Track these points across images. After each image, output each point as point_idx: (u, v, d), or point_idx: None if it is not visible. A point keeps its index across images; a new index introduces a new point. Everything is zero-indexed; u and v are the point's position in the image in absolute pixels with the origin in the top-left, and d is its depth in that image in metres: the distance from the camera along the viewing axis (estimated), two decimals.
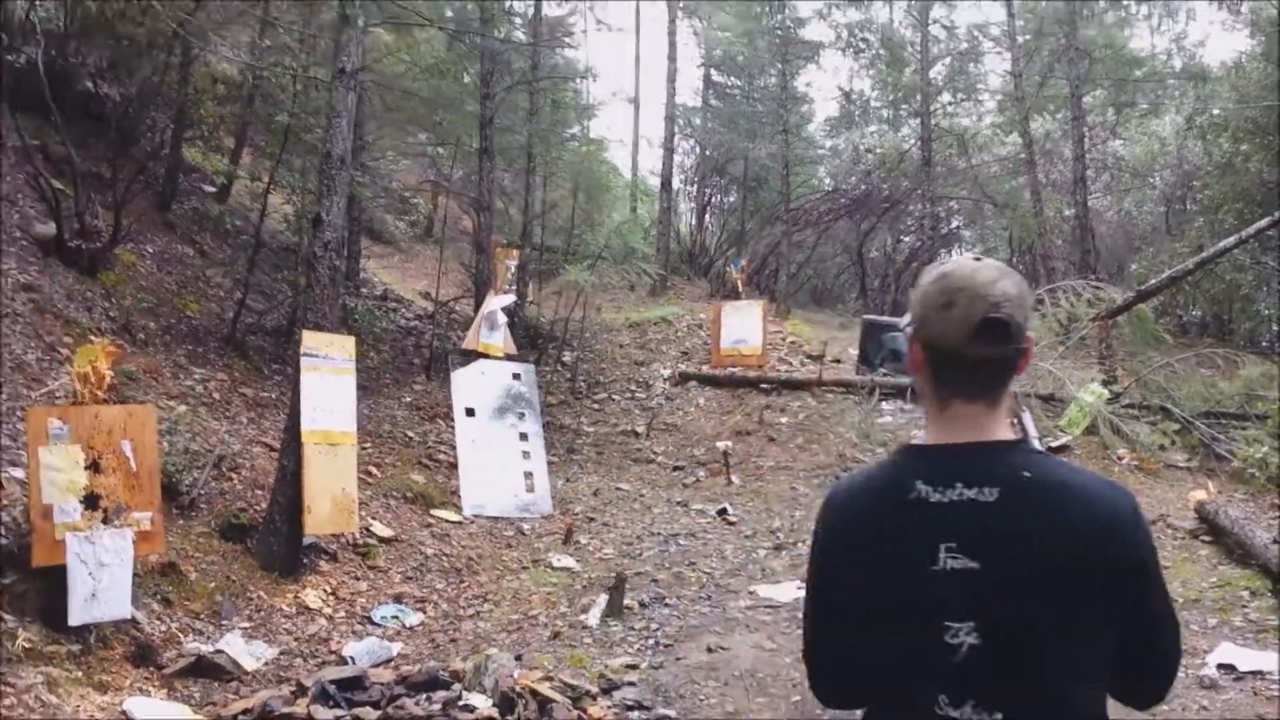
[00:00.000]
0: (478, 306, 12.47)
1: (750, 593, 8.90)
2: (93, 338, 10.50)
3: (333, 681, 6.15)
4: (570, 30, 17.32)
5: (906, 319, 1.84)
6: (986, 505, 1.65)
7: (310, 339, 8.97)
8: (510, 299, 12.42)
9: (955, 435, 1.73)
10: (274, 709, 5.54)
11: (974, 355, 1.68)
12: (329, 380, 9.06)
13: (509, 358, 11.81)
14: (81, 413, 7.00)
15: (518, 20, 16.60)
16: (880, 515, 1.74)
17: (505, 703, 5.66)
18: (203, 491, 9.21)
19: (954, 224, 30.10)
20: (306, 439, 8.82)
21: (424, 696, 5.94)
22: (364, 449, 11.60)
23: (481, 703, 5.65)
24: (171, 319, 12.49)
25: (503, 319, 11.66)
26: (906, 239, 28.98)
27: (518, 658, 6.80)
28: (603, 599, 8.51)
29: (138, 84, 14.71)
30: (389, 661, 7.70)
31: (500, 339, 11.69)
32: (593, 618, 8.28)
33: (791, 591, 8.76)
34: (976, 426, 1.73)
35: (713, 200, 30.36)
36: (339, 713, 5.60)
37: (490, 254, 15.30)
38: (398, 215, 24.24)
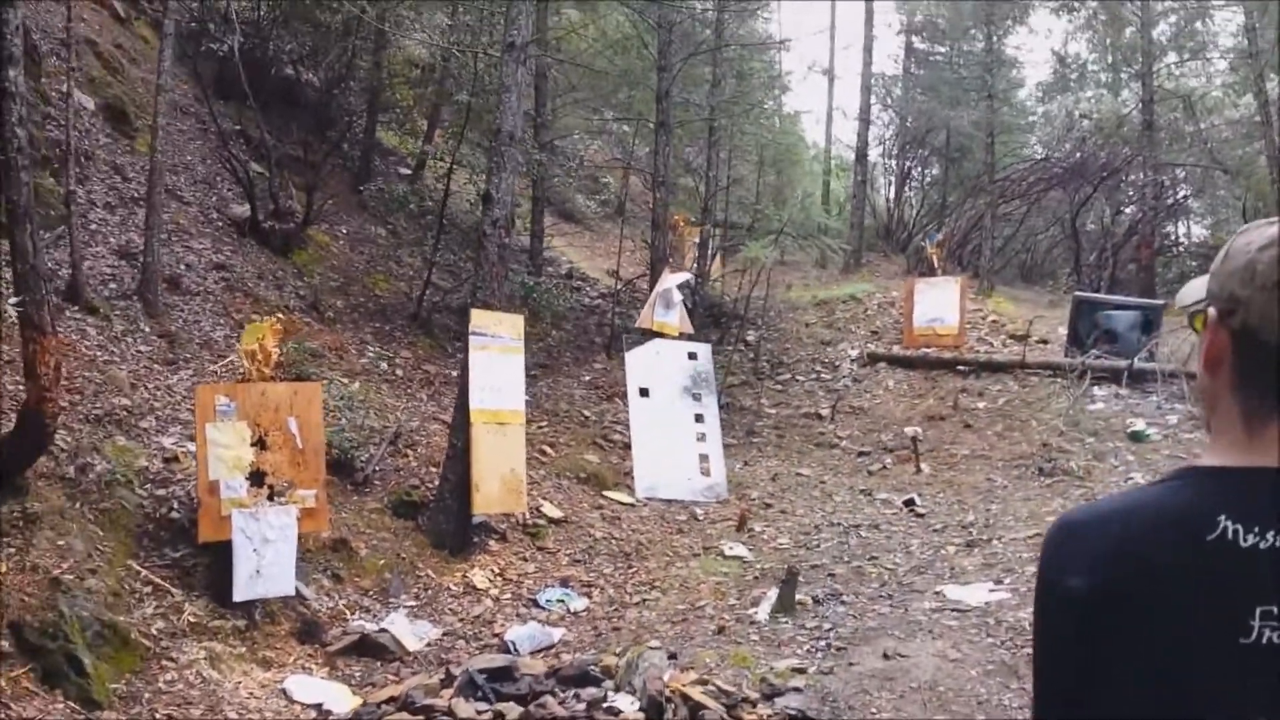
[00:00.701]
0: (653, 284, 12.16)
1: (936, 593, 8.21)
2: (279, 315, 10.79)
3: (482, 671, 5.97)
4: None
5: (1197, 291, 1.39)
6: None
7: (479, 317, 8.87)
8: (685, 276, 12.07)
9: (1269, 461, 1.26)
10: (415, 700, 5.39)
11: None
12: (497, 359, 8.95)
13: (684, 337, 11.45)
14: (248, 390, 7.08)
15: None
16: (1166, 550, 1.24)
17: (653, 707, 5.32)
18: (378, 468, 9.29)
19: (1180, 194, 27.76)
20: (475, 418, 8.74)
21: (571, 694, 5.68)
22: (539, 428, 11.54)
23: (628, 705, 5.33)
24: (360, 297, 12.76)
25: (678, 297, 11.30)
26: (1126, 210, 26.89)
27: (672, 656, 6.44)
28: (774, 593, 8.06)
29: (333, 69, 15.10)
30: (549, 648, 7.52)
31: (676, 318, 11.35)
32: (762, 612, 7.85)
33: (982, 594, 8.06)
34: None
35: (912, 172, 29.09)
36: (481, 707, 5.40)
37: (671, 230, 15.00)
38: (588, 194, 24.30)
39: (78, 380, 7.90)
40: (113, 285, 9.54)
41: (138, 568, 6.82)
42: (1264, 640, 1.16)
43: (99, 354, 8.49)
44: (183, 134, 13.20)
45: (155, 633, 6.46)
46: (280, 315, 10.82)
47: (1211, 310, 1.32)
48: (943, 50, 28.32)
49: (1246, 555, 1.19)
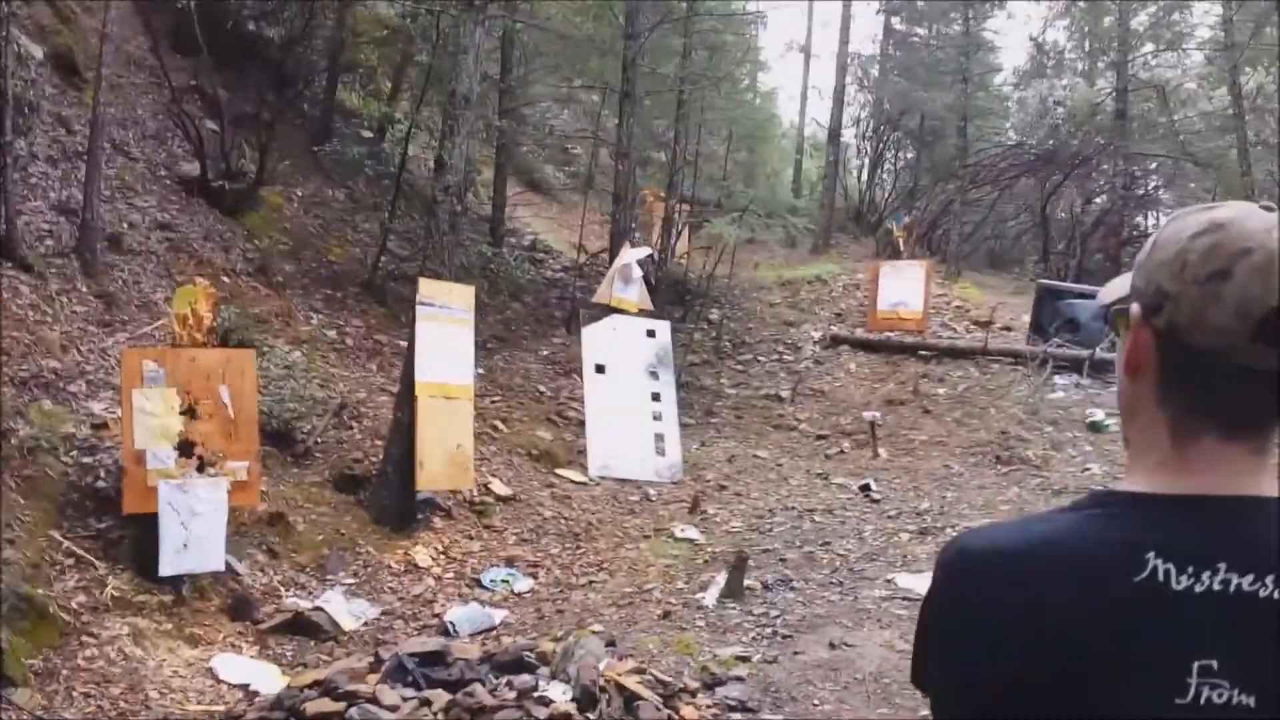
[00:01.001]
0: (612, 259, 11.90)
1: (887, 581, 8.06)
2: (224, 278, 10.46)
3: (413, 655, 5.73)
4: None
5: (1121, 287, 1.20)
6: (1269, 604, 1.00)
7: (427, 287, 8.60)
8: (645, 251, 11.82)
9: (1204, 486, 1.07)
10: (339, 685, 5.15)
11: (1255, 364, 1.04)
12: (447, 330, 8.69)
13: (644, 313, 11.22)
14: (178, 356, 6.79)
15: None
16: (1083, 605, 1.04)
17: (586, 697, 5.12)
18: (320, 440, 9.01)
19: (1151, 184, 27.76)
20: (421, 391, 8.48)
21: (504, 681, 5.46)
22: (492, 402, 11.29)
23: (560, 695, 5.12)
24: (313, 263, 12.43)
25: (638, 273, 11.06)
26: (1097, 200, 26.89)
27: (610, 643, 6.24)
28: (722, 578, 7.88)
29: (294, 26, 14.66)
30: (489, 631, 7.31)
31: (635, 294, 11.11)
32: (709, 597, 7.67)
33: None
34: (1234, 477, 1.07)
35: (885, 155, 28.93)
36: (407, 693, 5.17)
37: (640, 205, 14.71)
38: (557, 165, 23.94)
39: (5, 341, 7.55)
40: (49, 242, 9.17)
41: (60, 538, 6.53)
42: (1202, 700, 0.98)
43: (30, 313, 8.14)
44: (135, 88, 12.75)
45: (76, 607, 6.19)
46: (225, 278, 10.52)
47: (1135, 307, 1.13)
48: (921, 32, 28.15)
49: (1180, 601, 1.00)
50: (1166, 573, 1.00)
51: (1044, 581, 1.04)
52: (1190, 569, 1.00)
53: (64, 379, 7.61)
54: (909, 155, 28.49)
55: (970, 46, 22.09)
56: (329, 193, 14.31)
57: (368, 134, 16.34)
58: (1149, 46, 25.27)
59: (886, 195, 27.46)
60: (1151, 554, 1.01)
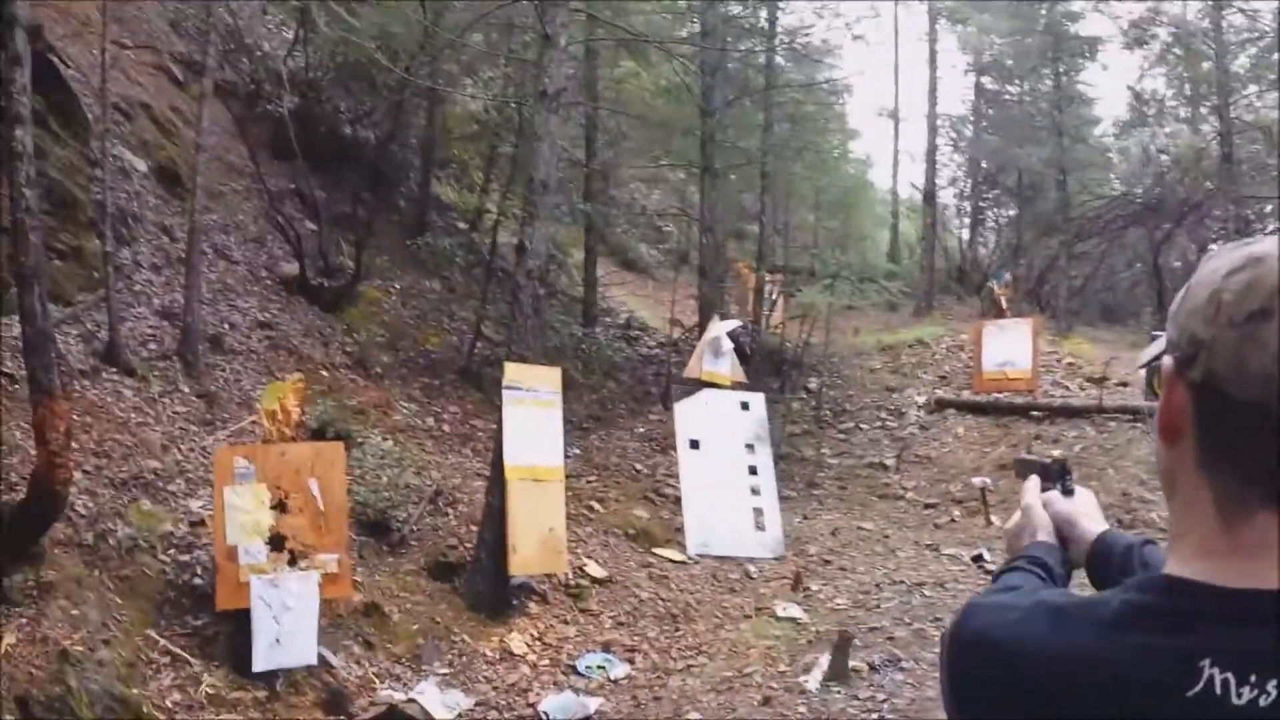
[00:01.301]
0: (701, 333, 11.78)
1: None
2: (323, 372, 10.66)
3: None
4: (807, 36, 16.29)
5: (1158, 347, 1.07)
6: None
7: (513, 371, 8.59)
8: (735, 324, 11.66)
9: (1261, 576, 0.88)
10: None
11: None
12: (534, 413, 8.65)
13: (737, 386, 11.03)
14: (268, 451, 6.85)
15: (750, 28, 15.76)
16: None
17: None
18: (415, 528, 9.01)
19: (1268, 227, 26.66)
20: (510, 475, 8.42)
21: None
22: (588, 482, 11.20)
23: None
24: (411, 352, 12.61)
25: (728, 345, 10.90)
26: (1211, 246, 25.90)
27: None
28: (826, 659, 7.55)
29: (385, 127, 15.13)
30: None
31: (727, 366, 10.94)
32: (813, 681, 7.35)
33: None
34: None
35: (985, 213, 28.40)
36: None
37: (734, 276, 14.61)
38: (651, 244, 24.11)
39: (107, 443, 7.76)
40: (153, 346, 9.46)
41: (156, 637, 6.58)
42: None
43: (133, 416, 8.37)
44: (236, 194, 13.24)
45: (170, 705, 6.20)
46: (324, 372, 10.72)
47: (1166, 361, 0.97)
48: (1013, 90, 27.77)
49: (1244, 718, 0.81)
50: (1225, 684, 0.82)
51: (1084, 698, 0.88)
52: (1253, 678, 0.82)
53: (163, 478, 7.76)
54: (1010, 212, 27.94)
55: (1063, 100, 21.64)
56: (425, 284, 14.58)
57: (462, 225, 16.71)
58: (1252, 88, 24.42)
59: (989, 253, 26.88)
60: (1207, 661, 0.83)
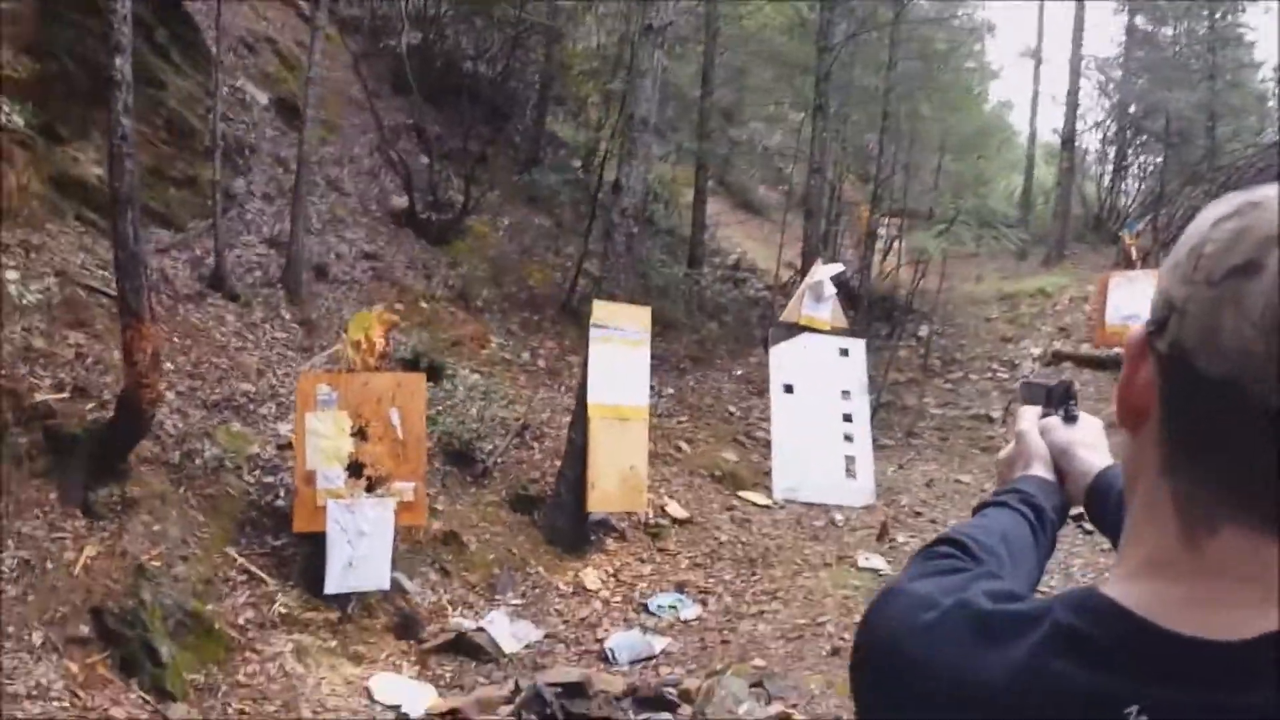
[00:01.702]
0: (803, 276, 11.54)
1: None
2: (423, 304, 10.85)
3: (554, 685, 5.67)
4: None
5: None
6: None
7: (601, 310, 8.58)
8: (838, 268, 11.34)
9: (1217, 610, 0.73)
10: (471, 717, 5.12)
11: None
12: (621, 353, 8.64)
13: (837, 331, 10.79)
14: (351, 380, 7.02)
15: None
16: None
17: None
18: (500, 460, 9.15)
19: None
20: (593, 413, 8.45)
21: (642, 718, 5.29)
22: (679, 422, 11.18)
23: None
24: (513, 287, 12.72)
25: (830, 290, 10.63)
26: None
27: (757, 684, 5.93)
28: None
29: (503, 63, 15.17)
30: (650, 659, 7.16)
31: (827, 311, 10.68)
32: None
33: None
34: (1267, 597, 0.71)
35: (1127, 160, 26.95)
36: None
37: (852, 218, 14.25)
38: (771, 185, 23.70)
39: (204, 366, 8.09)
40: (258, 273, 9.78)
41: (235, 555, 6.86)
42: None
43: (233, 340, 8.69)
44: (354, 128, 13.50)
45: (243, 622, 6.46)
46: (424, 303, 10.91)
47: (1135, 330, 0.82)
48: (1168, 31, 26.14)
49: None
50: None
51: (975, 677, 0.78)
52: None
53: (256, 401, 8.04)
54: (1156, 160, 26.45)
55: (1218, 42, 20.25)
56: (535, 220, 14.65)
57: (576, 162, 16.70)
58: None
59: (1130, 202, 25.56)
60: (1134, 710, 0.69)
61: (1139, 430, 0.81)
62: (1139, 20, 26.17)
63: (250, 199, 10.78)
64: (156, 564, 6.13)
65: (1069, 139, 23.06)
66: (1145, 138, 25.87)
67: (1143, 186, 26.07)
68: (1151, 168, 26.72)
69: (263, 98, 12.50)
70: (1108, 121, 26.64)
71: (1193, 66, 21.84)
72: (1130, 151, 26.56)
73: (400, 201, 12.43)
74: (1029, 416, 1.48)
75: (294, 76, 13.15)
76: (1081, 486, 1.37)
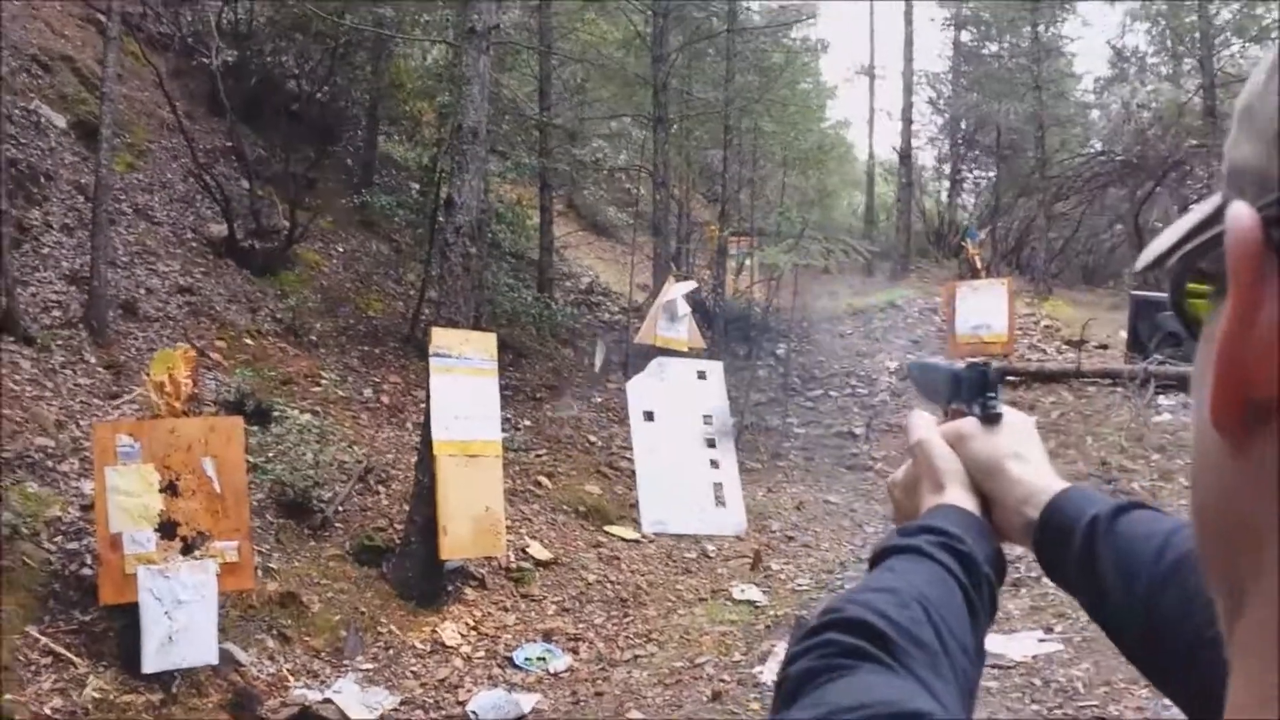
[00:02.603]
0: (655, 295, 11.08)
1: None
2: (248, 340, 9.93)
3: None
4: None
5: (1181, 228, 0.48)
6: None
7: (440, 337, 7.88)
8: (691, 285, 10.93)
9: None
10: None
11: None
12: (466, 383, 7.94)
13: (694, 352, 10.36)
14: (155, 427, 6.13)
15: None
16: None
17: None
18: (341, 508, 8.33)
19: None
20: (439, 450, 7.72)
21: None
22: (537, 456, 10.54)
23: None
24: (350, 319, 11.87)
25: (685, 309, 10.20)
26: (1193, 204, 25.28)
27: None
28: (783, 647, 6.92)
29: (322, 78, 14.30)
30: None
31: (684, 330, 10.25)
32: (769, 671, 6.73)
33: (1028, 645, 6.88)
34: None
35: (963, 173, 27.74)
36: None
37: (704, 237, 13.87)
38: (620, 206, 23.31)
39: None
40: (56, 313, 8.71)
41: (36, 635, 5.90)
42: None
43: (28, 389, 7.64)
44: (166, 151, 12.43)
45: (49, 712, 5.54)
46: (249, 339, 9.98)
47: (1245, 224, 0.37)
48: (992, 46, 27.07)
49: None
50: None
51: None
52: None
53: (54, 457, 7.05)
54: (989, 173, 27.30)
55: (1042, 53, 20.94)
56: (372, 246, 13.82)
57: (413, 185, 15.89)
58: (1236, 45, 23.79)
59: (968, 215, 26.26)
60: None
61: (1254, 437, 0.40)
62: (965, 36, 27.02)
63: (47, 231, 9.67)
64: None
65: (906, 154, 23.50)
66: (978, 152, 26.67)
67: (978, 200, 26.84)
68: (985, 180, 27.56)
69: (60, 120, 11.36)
70: (942, 137, 27.36)
71: (1018, 79, 22.53)
72: (964, 166, 27.34)
73: (219, 229, 11.42)
74: (926, 423, 1.02)
75: (94, 98, 12.02)
76: (1022, 519, 0.94)
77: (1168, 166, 22.55)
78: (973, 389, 1.02)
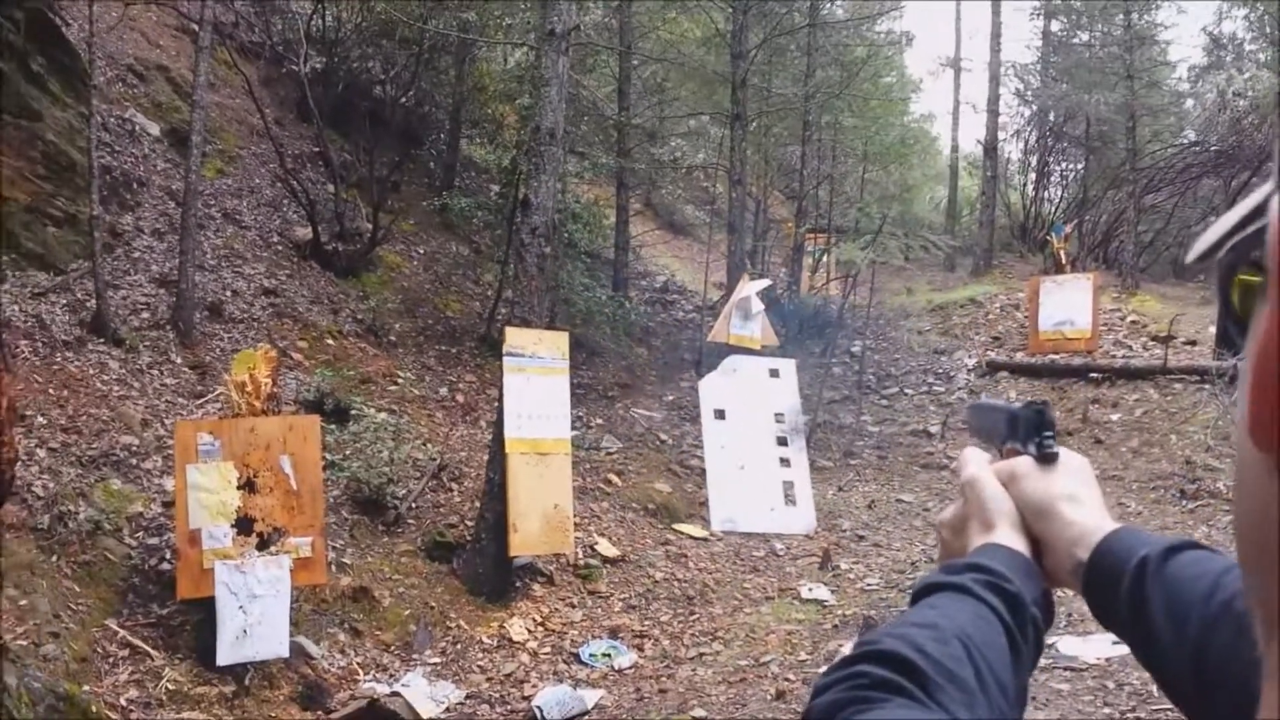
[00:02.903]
0: (729, 294, 11.08)
1: (1047, 647, 6.88)
2: (329, 340, 10.20)
3: None
4: None
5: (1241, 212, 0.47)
6: None
7: (514, 336, 8.00)
8: (766, 283, 10.90)
9: None
10: None
11: None
12: (537, 382, 8.06)
13: (767, 350, 10.34)
14: (235, 426, 6.36)
15: None
16: None
17: None
18: (414, 505, 8.52)
19: None
20: (511, 449, 7.86)
21: None
22: (608, 454, 10.62)
23: None
24: (429, 319, 12.11)
25: (758, 306, 10.18)
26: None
27: None
28: (850, 647, 6.88)
29: (409, 84, 14.59)
30: (582, 715, 6.56)
31: (757, 329, 10.23)
32: None
33: (1103, 648, 6.73)
34: None
35: (1050, 166, 27.09)
36: None
37: (786, 235, 13.83)
38: (699, 205, 23.33)
39: (82, 418, 7.37)
40: (145, 315, 9.06)
41: (116, 628, 6.17)
42: None
43: (115, 389, 7.97)
44: (255, 158, 12.82)
45: (125, 703, 5.78)
46: (330, 340, 10.25)
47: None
48: (1082, 35, 26.40)
49: None
50: None
51: None
52: None
53: (138, 455, 7.34)
54: (1077, 166, 26.60)
55: (1134, 42, 20.37)
56: (451, 248, 14.06)
57: (493, 187, 16.12)
58: None
59: (1054, 208, 25.64)
60: None
61: None
62: (1055, 25, 26.39)
63: (139, 235, 10.07)
64: (23, 643, 5.42)
65: (991, 147, 23.03)
66: (1066, 144, 26.03)
67: (1066, 193, 26.21)
68: (1073, 173, 26.89)
69: (154, 129, 11.79)
70: (1029, 129, 26.77)
71: (1110, 68, 21.94)
72: (1052, 158, 26.71)
73: (304, 233, 11.76)
74: (980, 459, 1.02)
75: (188, 105, 12.46)
76: (1072, 561, 0.91)
77: (1263, 156, 21.73)
78: (1029, 428, 1.01)
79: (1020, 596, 0.84)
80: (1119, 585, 0.85)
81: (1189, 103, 26.08)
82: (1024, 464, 0.98)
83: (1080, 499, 0.94)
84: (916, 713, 0.66)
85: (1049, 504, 0.94)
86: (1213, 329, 13.61)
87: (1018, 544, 0.92)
